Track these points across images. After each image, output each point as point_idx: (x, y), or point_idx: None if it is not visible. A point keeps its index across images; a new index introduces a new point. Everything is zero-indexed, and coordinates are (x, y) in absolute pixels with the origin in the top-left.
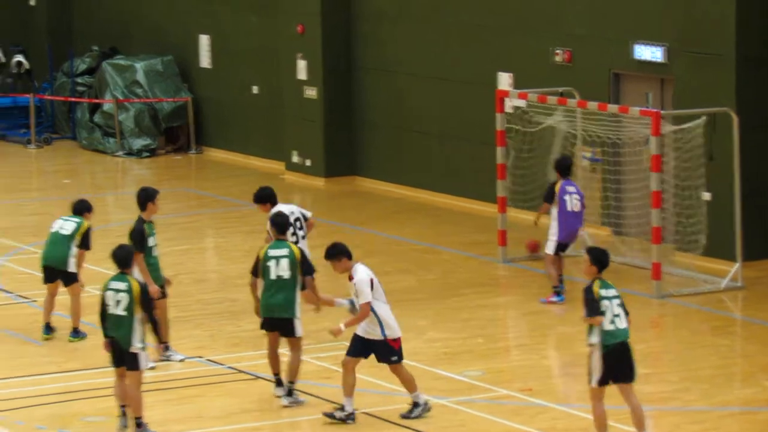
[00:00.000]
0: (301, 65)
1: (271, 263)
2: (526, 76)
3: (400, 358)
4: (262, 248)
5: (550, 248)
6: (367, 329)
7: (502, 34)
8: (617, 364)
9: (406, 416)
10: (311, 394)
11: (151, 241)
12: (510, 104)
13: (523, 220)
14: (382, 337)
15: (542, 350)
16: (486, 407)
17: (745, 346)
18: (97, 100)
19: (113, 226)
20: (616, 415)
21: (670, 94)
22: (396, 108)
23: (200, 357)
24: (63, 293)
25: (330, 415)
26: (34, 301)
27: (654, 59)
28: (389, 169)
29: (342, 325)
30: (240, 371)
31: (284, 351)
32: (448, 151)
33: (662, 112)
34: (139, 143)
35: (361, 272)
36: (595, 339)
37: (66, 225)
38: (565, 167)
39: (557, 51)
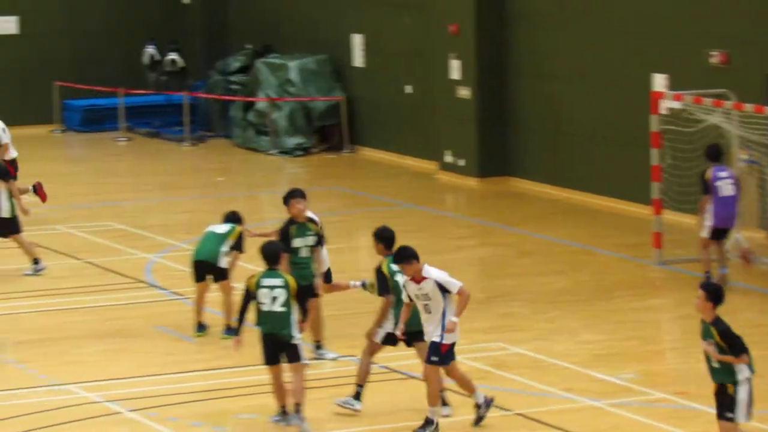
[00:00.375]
0: (455, 65)
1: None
2: (680, 77)
3: (442, 362)
4: (382, 262)
5: (705, 232)
6: (431, 330)
7: (657, 36)
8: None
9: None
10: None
11: (297, 242)
12: (665, 106)
13: (680, 222)
14: (438, 341)
15: (697, 353)
16: (641, 410)
17: None
18: (250, 99)
19: (267, 224)
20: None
21: None
22: (549, 108)
23: (353, 356)
24: (214, 291)
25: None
26: (188, 298)
27: None
28: (543, 169)
29: (454, 318)
30: (393, 370)
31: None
32: (602, 152)
33: None
34: (292, 142)
35: (434, 270)
36: (747, 373)
37: (220, 227)
38: (715, 153)
39: (712, 53)
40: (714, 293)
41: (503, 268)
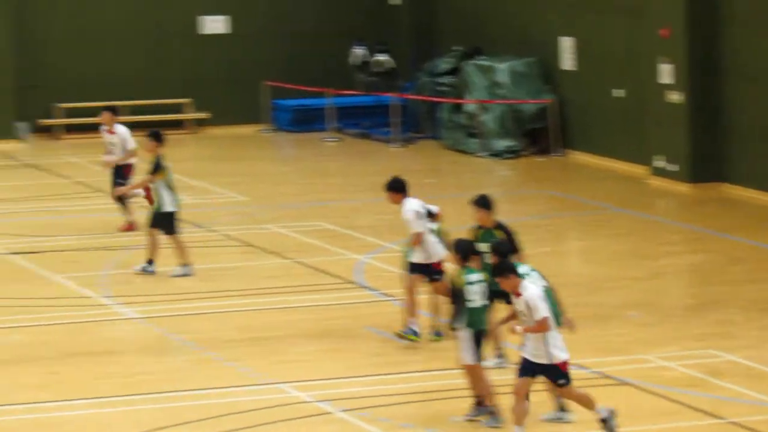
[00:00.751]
0: (665, 69)
1: None
2: None
3: (568, 381)
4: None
5: None
6: (534, 351)
7: None
8: None
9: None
10: (683, 403)
11: (481, 247)
12: None
13: None
14: (548, 362)
15: None
16: None
17: None
18: (459, 101)
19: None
20: None
21: None
22: (764, 112)
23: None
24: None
25: None
26: (398, 299)
27: None
28: (757, 175)
29: (519, 327)
30: (606, 376)
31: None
32: None
33: None
34: (501, 144)
35: (531, 288)
36: None
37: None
38: None
39: None
40: None
41: (714, 275)
